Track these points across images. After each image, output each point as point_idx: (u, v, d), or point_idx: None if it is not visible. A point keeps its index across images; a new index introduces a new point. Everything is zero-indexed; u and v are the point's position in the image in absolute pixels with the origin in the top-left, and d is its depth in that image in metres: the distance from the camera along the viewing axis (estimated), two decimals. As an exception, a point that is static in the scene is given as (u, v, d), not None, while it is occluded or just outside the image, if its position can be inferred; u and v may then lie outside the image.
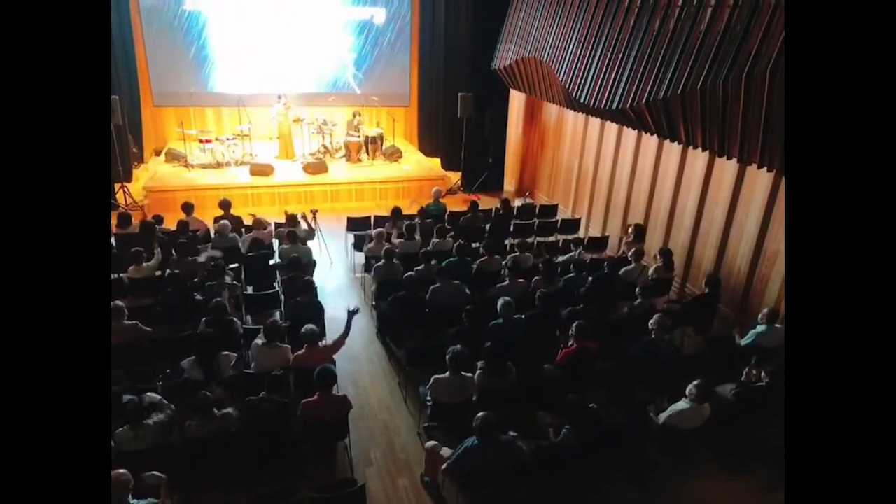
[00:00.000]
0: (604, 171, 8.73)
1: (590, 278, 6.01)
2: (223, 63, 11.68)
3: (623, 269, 6.30)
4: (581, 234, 8.52)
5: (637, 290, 5.62)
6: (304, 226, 7.19)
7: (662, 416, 4.12)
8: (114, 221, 7.18)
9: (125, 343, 4.67)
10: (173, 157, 10.88)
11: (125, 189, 9.53)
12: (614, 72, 6.78)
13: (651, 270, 6.34)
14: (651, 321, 4.85)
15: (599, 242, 7.82)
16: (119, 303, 4.85)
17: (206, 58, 11.55)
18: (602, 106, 6.98)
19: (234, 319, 5.05)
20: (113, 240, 6.88)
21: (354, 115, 11.66)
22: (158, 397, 3.96)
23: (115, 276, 6.08)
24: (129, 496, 3.04)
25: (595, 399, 4.12)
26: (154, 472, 3.28)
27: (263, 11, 11.48)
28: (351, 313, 4.88)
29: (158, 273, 5.94)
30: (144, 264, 5.94)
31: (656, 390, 4.52)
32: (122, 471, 3.05)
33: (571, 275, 6.11)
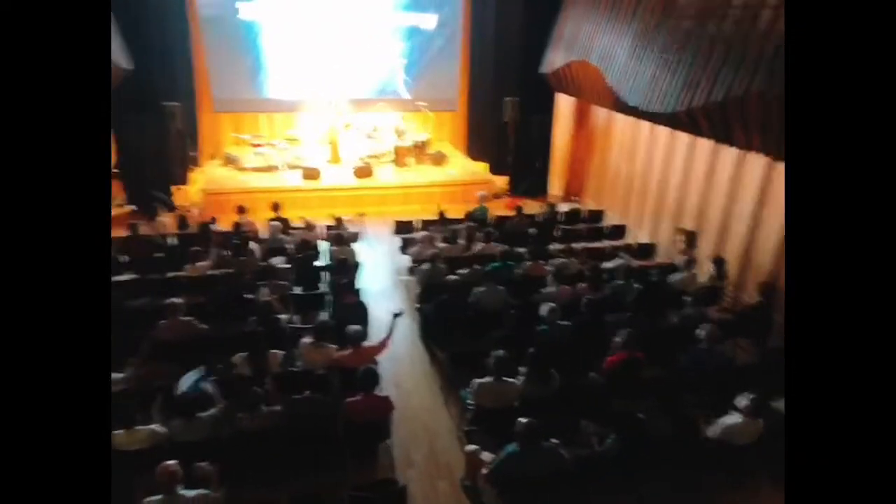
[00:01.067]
0: (653, 175, 8.51)
1: (637, 286, 5.86)
2: (277, 70, 12.07)
3: (672, 277, 6.11)
4: (629, 240, 8.32)
5: (687, 298, 5.44)
6: (351, 228, 7.33)
7: (713, 430, 3.97)
8: (173, 222, 7.54)
9: (181, 338, 4.88)
10: (228, 160, 11.32)
11: (183, 191, 9.98)
12: (667, 74, 6.61)
13: (702, 279, 6.12)
14: (701, 331, 4.68)
15: (648, 249, 7.63)
16: (177, 300, 5.07)
17: (260, 65, 11.97)
18: (653, 110, 6.81)
19: (282, 318, 5.19)
20: (173, 240, 7.22)
21: (401, 120, 11.81)
22: (214, 390, 4.11)
23: (174, 274, 6.36)
24: (180, 487, 3.16)
25: (641, 409, 4.01)
26: (202, 464, 3.39)
27: (316, 19, 11.81)
28: (395, 316, 4.94)
29: (212, 272, 6.18)
30: (200, 263, 6.19)
31: (706, 403, 4.35)
32: (171, 462, 3.16)
33: (619, 282, 5.98)
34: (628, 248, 7.19)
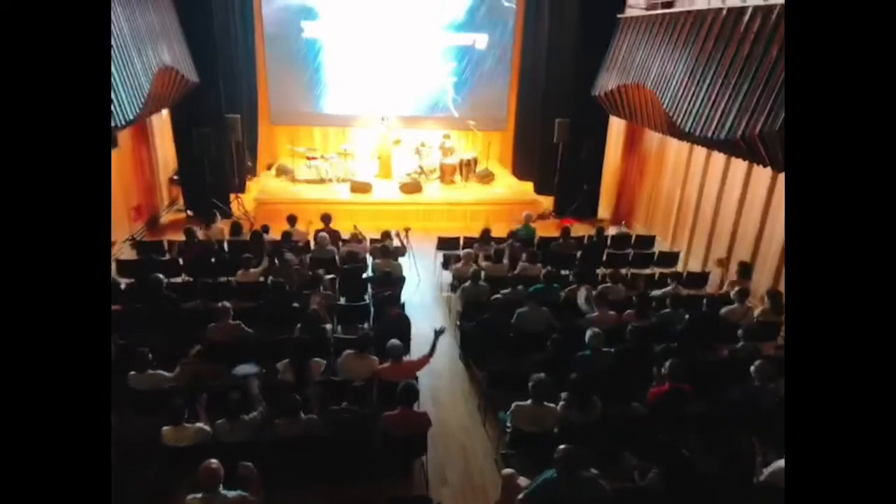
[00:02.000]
0: (707, 202, 8.27)
1: (686, 316, 5.67)
2: (333, 86, 12.44)
3: (724, 309, 5.89)
4: (679, 268, 8.09)
5: (739, 332, 5.23)
6: (396, 242, 7.42)
7: (765, 472, 3.77)
8: (227, 229, 7.83)
9: (229, 341, 5.04)
10: (282, 171, 11.70)
11: (239, 199, 10.36)
12: (725, 100, 6.44)
13: (757, 312, 5.87)
14: (752, 367, 4.48)
15: (699, 278, 7.38)
16: (227, 303, 5.24)
17: (318, 81, 12.37)
18: (709, 135, 6.64)
19: (326, 328, 5.28)
20: (226, 245, 7.49)
21: (445, 138, 11.92)
22: (257, 391, 4.21)
23: (226, 279, 6.59)
24: (220, 486, 3.23)
25: (687, 444, 3.85)
26: (248, 464, 3.44)
27: (372, 38, 12.14)
28: (437, 333, 4.94)
29: (262, 279, 6.36)
30: (251, 270, 6.39)
31: (759, 443, 4.14)
32: (213, 461, 3.24)
33: (667, 310, 5.80)
34: (678, 276, 6.97)
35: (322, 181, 11.23)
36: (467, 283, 6.28)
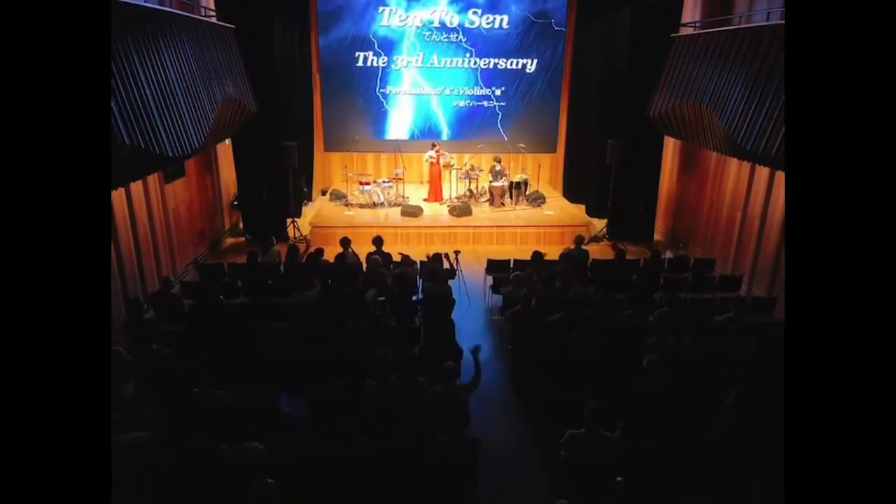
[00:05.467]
0: (773, 223, 7.87)
1: (752, 343, 5.37)
2: (385, 113, 12.77)
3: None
4: (742, 292, 7.70)
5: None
6: (446, 265, 7.43)
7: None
8: (284, 252, 8.08)
9: (282, 361, 5.14)
10: (336, 196, 12.03)
11: (295, 224, 10.70)
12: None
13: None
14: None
15: (765, 304, 6.99)
16: (282, 324, 5.37)
17: (370, 108, 12.73)
18: (773, 153, 6.36)
19: (378, 350, 5.32)
20: (282, 269, 7.72)
21: (495, 162, 11.94)
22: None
23: (281, 300, 6.76)
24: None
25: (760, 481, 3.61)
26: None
27: (424, 65, 12.44)
28: (474, 353, 4.82)
29: (316, 301, 6.48)
30: (306, 292, 6.53)
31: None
32: (269, 480, 3.29)
33: (730, 337, 5.52)
34: (741, 301, 6.62)
35: (374, 205, 11.47)
36: (518, 307, 6.19)
